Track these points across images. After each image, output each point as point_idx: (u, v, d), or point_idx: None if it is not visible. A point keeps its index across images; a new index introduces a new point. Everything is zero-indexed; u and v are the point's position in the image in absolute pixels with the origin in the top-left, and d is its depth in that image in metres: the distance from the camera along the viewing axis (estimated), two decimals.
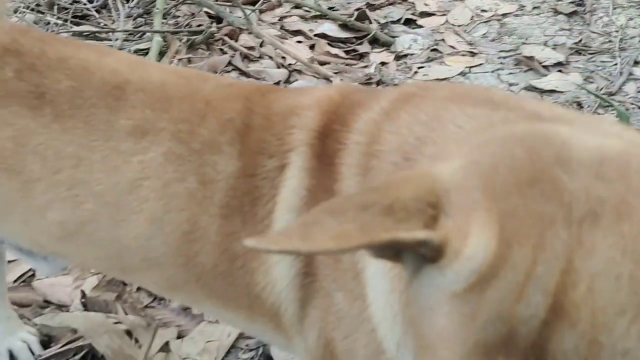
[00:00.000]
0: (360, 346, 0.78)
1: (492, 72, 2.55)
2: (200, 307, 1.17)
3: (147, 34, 2.58)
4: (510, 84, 2.47)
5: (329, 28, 2.79)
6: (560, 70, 2.51)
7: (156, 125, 0.90)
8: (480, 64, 2.59)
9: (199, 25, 2.72)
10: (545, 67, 2.53)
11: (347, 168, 0.78)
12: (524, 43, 2.72)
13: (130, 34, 2.64)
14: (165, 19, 2.82)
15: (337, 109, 0.84)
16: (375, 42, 2.74)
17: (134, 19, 2.79)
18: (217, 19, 2.76)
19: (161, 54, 2.49)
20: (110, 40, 2.56)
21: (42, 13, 2.71)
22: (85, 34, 2.62)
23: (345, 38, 2.73)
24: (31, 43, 0.96)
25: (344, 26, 2.80)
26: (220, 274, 0.89)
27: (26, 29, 1.01)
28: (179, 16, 2.91)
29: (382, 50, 2.68)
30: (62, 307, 1.53)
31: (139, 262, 0.93)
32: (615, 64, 2.51)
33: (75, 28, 2.65)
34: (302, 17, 2.96)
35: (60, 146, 0.92)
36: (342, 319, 0.80)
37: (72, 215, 0.93)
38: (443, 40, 2.78)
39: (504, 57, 2.64)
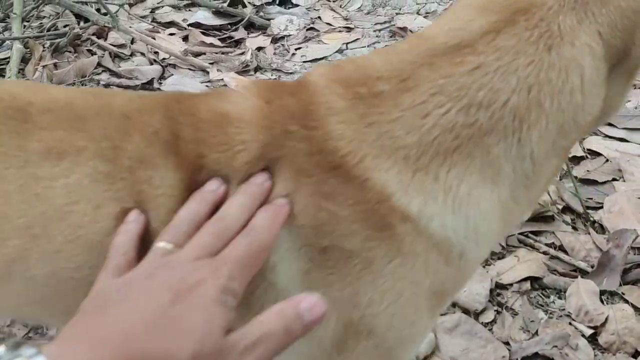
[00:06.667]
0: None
1: (369, 46, 2.57)
2: None
3: (7, 41, 2.44)
4: None
5: (203, 16, 2.72)
6: None
7: (74, 145, 0.82)
8: (357, 39, 2.61)
9: (65, 26, 2.59)
10: None
11: (373, 166, 0.73)
12: (397, 13, 2.75)
13: None
14: (28, 21, 2.68)
15: (273, 123, 0.77)
16: (251, 26, 2.70)
17: None
18: (85, 19, 2.64)
19: (25, 62, 2.36)
20: None
21: None
22: None
23: (220, 25, 2.68)
24: None
25: (218, 13, 2.74)
26: None
27: None
28: (43, 17, 2.77)
29: (259, 35, 2.65)
30: None
31: (84, 297, 0.88)
32: None
33: None
34: (174, 6, 2.88)
35: None
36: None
37: None
38: (319, 17, 2.78)
39: (380, 30, 2.67)
